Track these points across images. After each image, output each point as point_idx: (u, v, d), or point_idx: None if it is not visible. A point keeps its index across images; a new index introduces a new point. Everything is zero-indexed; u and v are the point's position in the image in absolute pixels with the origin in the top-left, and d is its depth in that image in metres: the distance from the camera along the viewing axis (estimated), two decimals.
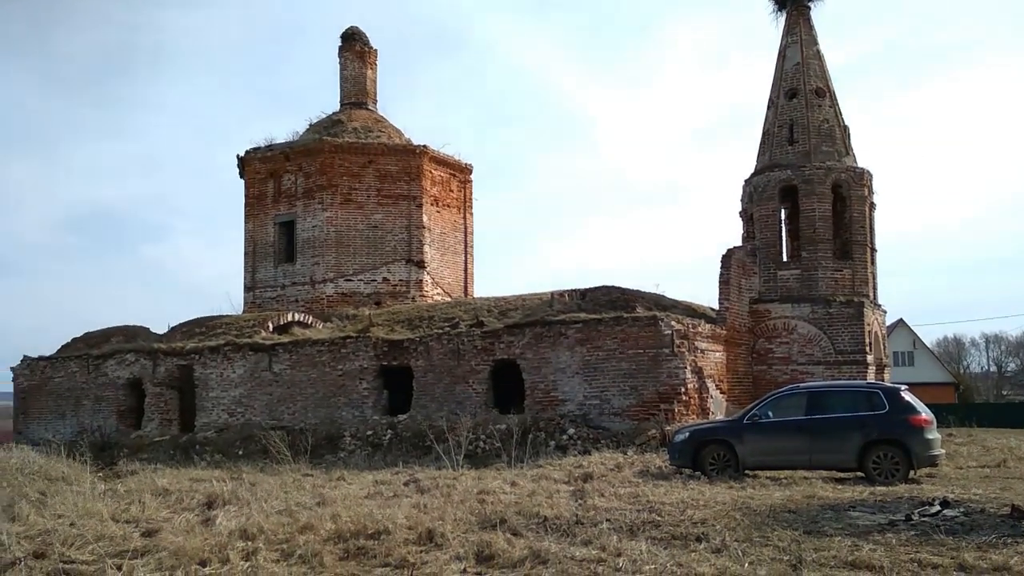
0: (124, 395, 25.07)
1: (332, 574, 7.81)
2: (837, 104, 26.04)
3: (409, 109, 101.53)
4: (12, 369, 27.32)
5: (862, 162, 25.81)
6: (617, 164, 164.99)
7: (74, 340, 28.53)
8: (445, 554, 8.36)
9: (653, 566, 7.66)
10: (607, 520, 9.84)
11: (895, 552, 8.07)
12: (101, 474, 17.58)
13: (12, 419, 27.99)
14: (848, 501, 11.20)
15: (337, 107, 32.68)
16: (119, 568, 7.82)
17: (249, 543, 8.98)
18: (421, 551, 8.57)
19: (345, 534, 9.28)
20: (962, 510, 10.19)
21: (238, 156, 30.98)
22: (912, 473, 13.89)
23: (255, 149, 30.43)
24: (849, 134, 25.98)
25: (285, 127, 67.44)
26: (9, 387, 27.99)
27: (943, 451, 14.96)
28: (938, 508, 10.24)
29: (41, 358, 27.06)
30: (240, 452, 20.58)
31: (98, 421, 24.97)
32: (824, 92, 25.86)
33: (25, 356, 27.25)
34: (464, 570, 7.77)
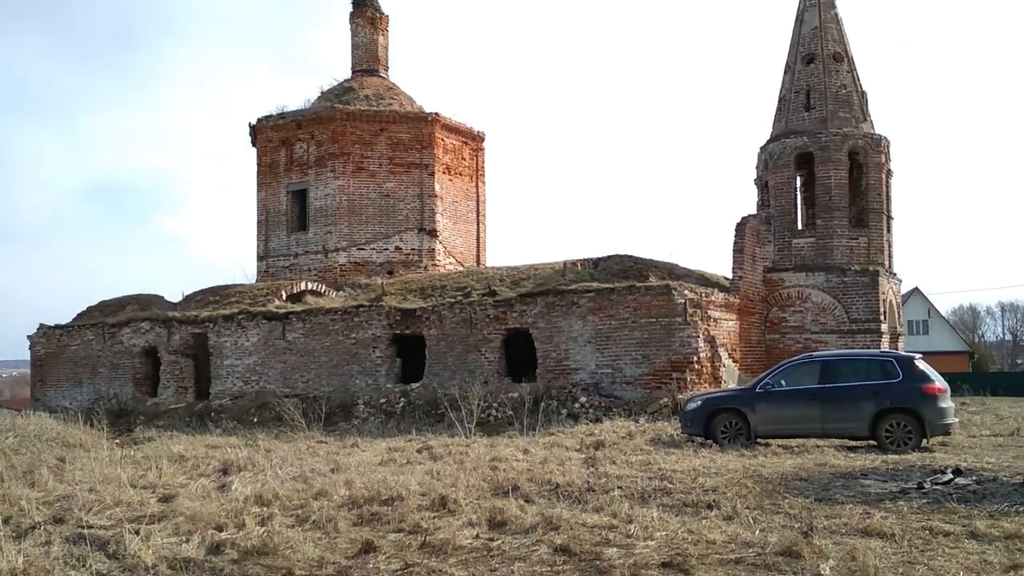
0: (140, 363, 25.31)
1: (346, 539, 7.90)
2: (855, 69, 25.63)
3: (423, 77, 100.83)
4: (29, 337, 27.60)
5: (880, 128, 25.48)
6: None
7: (89, 309, 28.77)
8: (458, 520, 8.43)
9: (664, 533, 7.70)
10: (618, 487, 9.88)
11: (906, 520, 8.07)
12: (118, 441, 17.79)
13: (29, 387, 28.33)
14: (860, 469, 11.20)
15: (349, 75, 32.48)
16: (137, 533, 7.93)
17: (264, 508, 9.08)
18: (434, 517, 8.65)
19: (359, 500, 9.37)
20: (974, 478, 10.18)
21: (250, 124, 30.89)
22: (925, 442, 13.86)
23: (267, 117, 30.32)
24: (867, 100, 25.60)
25: (298, 95, 67.14)
26: (26, 355, 28.30)
27: (956, 420, 14.90)
28: (950, 476, 10.23)
29: (57, 326, 27.30)
30: (255, 419, 20.79)
31: (114, 389, 25.25)
32: (842, 57, 25.44)
33: (41, 324, 27.50)
34: (476, 536, 7.84)
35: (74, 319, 28.17)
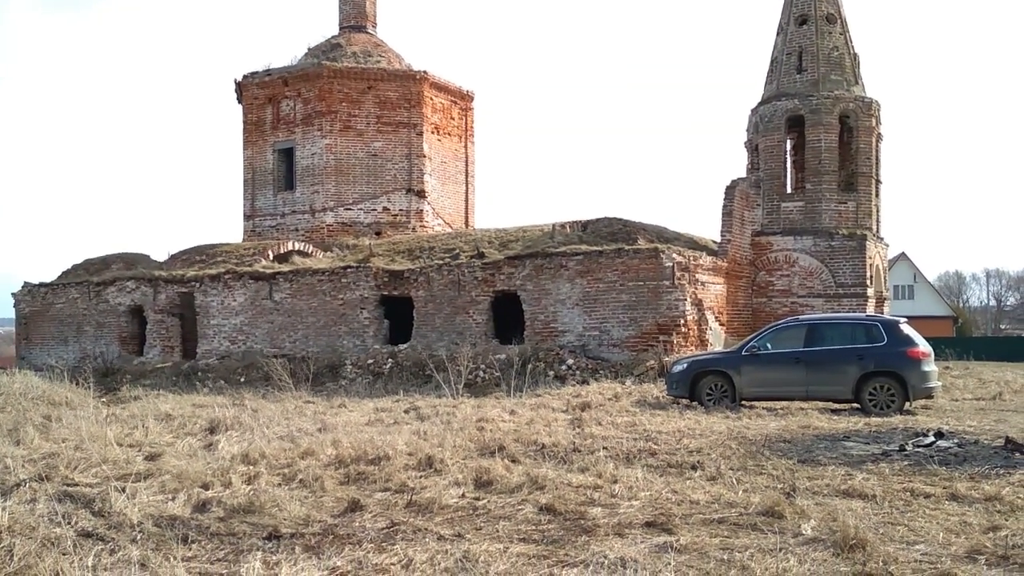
0: (126, 322, 25.20)
1: (332, 498, 7.92)
2: (848, 31, 25.40)
3: (412, 34, 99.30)
4: (13, 295, 27.41)
5: (871, 91, 25.34)
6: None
7: (74, 267, 28.55)
8: (444, 479, 8.47)
9: (648, 493, 7.77)
10: (604, 448, 9.95)
11: (888, 481, 8.17)
12: (104, 399, 17.76)
13: (14, 344, 28.18)
14: (843, 432, 11.31)
15: (336, 31, 31.96)
16: (123, 491, 7.92)
17: (251, 467, 9.09)
18: (420, 476, 8.69)
19: (346, 460, 9.40)
20: (956, 441, 10.30)
21: (236, 81, 30.43)
22: (908, 405, 14.00)
23: (253, 74, 29.87)
24: (859, 62, 25.42)
25: (285, 52, 66.11)
26: (11, 313, 28.12)
27: (939, 383, 15.05)
28: (932, 439, 10.34)
29: (42, 284, 27.09)
30: (242, 379, 20.78)
31: (100, 347, 25.16)
32: (835, 18, 25.19)
33: (26, 282, 27.29)
34: (462, 495, 7.88)
35: (58, 277, 27.95)
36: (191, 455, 10.01)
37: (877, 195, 25.20)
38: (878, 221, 25.34)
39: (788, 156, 25.71)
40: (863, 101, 24.64)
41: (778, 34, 25.79)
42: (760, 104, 25.54)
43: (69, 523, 6.96)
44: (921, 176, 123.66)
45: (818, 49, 24.84)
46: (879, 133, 25.21)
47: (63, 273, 28.33)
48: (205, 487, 8.28)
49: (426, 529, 6.76)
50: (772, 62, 25.86)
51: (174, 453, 10.12)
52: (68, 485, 8.41)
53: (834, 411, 13.82)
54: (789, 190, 25.24)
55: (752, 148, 25.66)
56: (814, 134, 24.20)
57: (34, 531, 6.56)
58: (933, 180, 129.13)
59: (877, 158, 25.19)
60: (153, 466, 9.30)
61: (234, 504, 7.59)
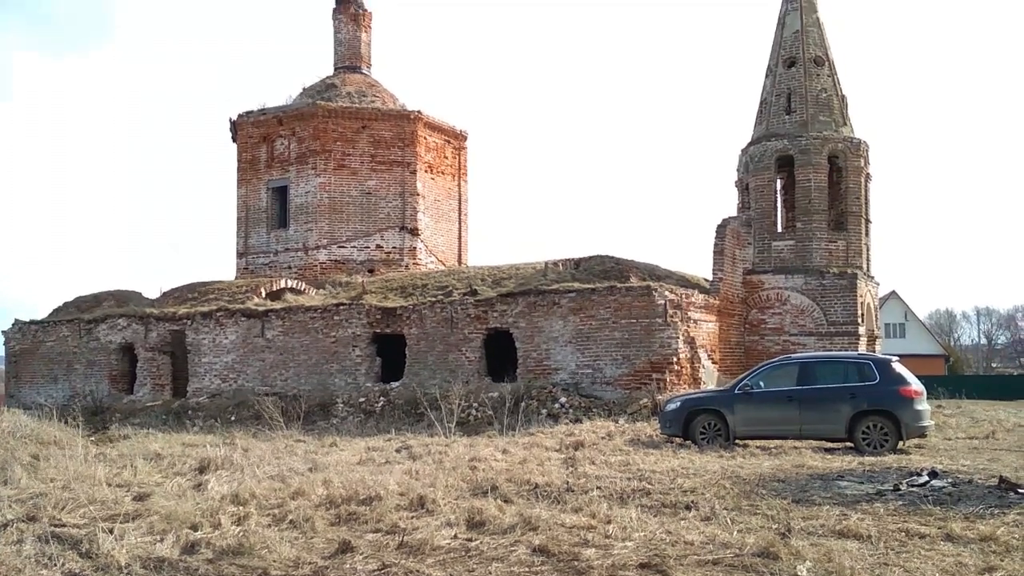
0: (116, 360, 25.05)
1: (323, 539, 7.84)
2: (836, 73, 25.81)
3: (406, 74, 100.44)
4: (3, 332, 27.25)
5: (859, 132, 25.69)
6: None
7: (65, 304, 28.44)
8: (436, 520, 8.39)
9: (642, 534, 7.71)
10: (597, 488, 9.89)
11: (883, 521, 8.13)
12: (93, 438, 17.57)
13: (4, 382, 27.97)
14: (837, 471, 11.27)
15: (331, 71, 32.32)
16: (111, 532, 7.82)
17: (241, 508, 8.99)
18: (412, 517, 8.61)
19: (337, 500, 9.31)
20: (950, 481, 10.27)
21: (231, 120, 30.68)
22: (901, 444, 13.99)
23: (248, 113, 30.12)
24: (847, 104, 25.80)
25: (280, 92, 66.78)
26: (0, 351, 27.93)
27: (932, 422, 15.05)
28: (926, 478, 10.31)
29: (32, 322, 26.97)
30: (233, 418, 20.62)
31: (90, 386, 24.96)
32: (823, 61, 25.61)
33: (16, 320, 27.17)
34: (455, 536, 7.81)
35: (50, 315, 27.83)
36: (180, 495, 9.91)
37: (867, 234, 25.40)
38: (868, 260, 25.52)
39: (778, 195, 25.93)
40: (852, 142, 24.96)
41: (767, 76, 26.19)
42: (750, 144, 25.83)
43: (56, 565, 6.87)
44: (911, 215, 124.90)
45: (806, 91, 25.21)
46: (868, 173, 25.49)
47: (55, 310, 28.22)
48: (194, 528, 8.18)
49: (418, 571, 6.68)
50: (761, 103, 26.22)
51: (163, 493, 10.02)
52: (56, 526, 8.30)
53: (828, 450, 13.78)
54: (780, 229, 25.42)
55: (743, 187, 25.89)
56: (804, 174, 24.46)
57: (21, 573, 6.47)
58: (923, 219, 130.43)
59: (866, 198, 25.45)
60: (142, 506, 9.20)
61: (223, 546, 7.49)
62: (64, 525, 8.36)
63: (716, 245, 23.34)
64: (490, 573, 6.62)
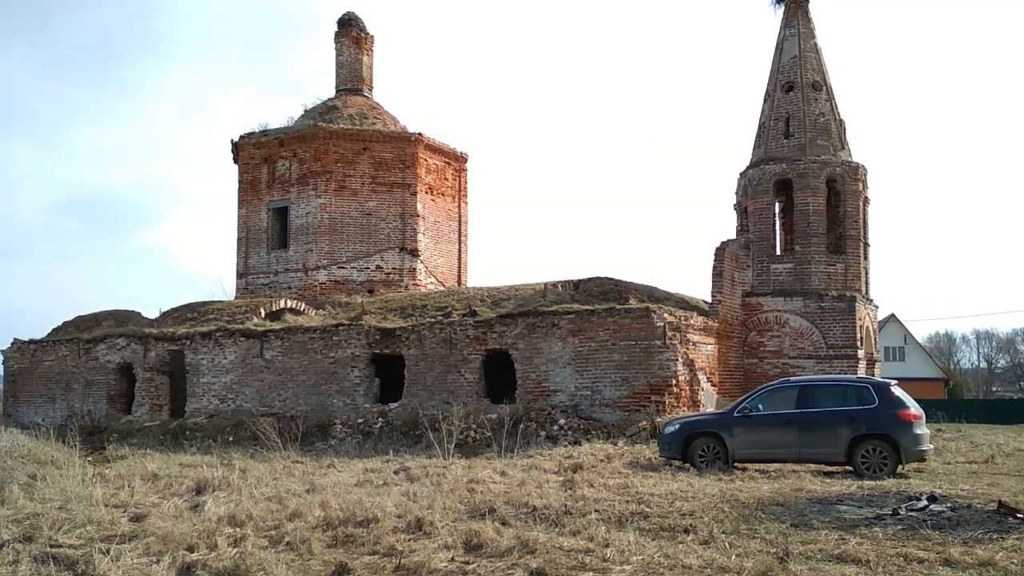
0: (115, 379, 25.01)
1: (320, 561, 7.81)
2: (834, 98, 26.03)
3: (407, 97, 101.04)
4: (2, 352, 27.22)
5: (857, 156, 25.86)
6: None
7: (65, 324, 28.45)
8: (433, 543, 8.37)
9: (641, 557, 7.69)
10: (596, 511, 9.86)
11: (881, 546, 8.11)
12: (91, 458, 17.54)
13: (2, 402, 27.92)
14: (836, 495, 11.24)
15: (333, 93, 32.56)
16: (107, 552, 7.80)
17: (238, 529, 8.97)
18: (409, 539, 8.58)
19: (334, 521, 9.29)
20: (949, 505, 10.24)
21: (232, 141, 30.85)
22: (900, 468, 13.95)
23: (249, 134, 30.30)
24: (845, 128, 25.99)
25: (281, 113, 67.19)
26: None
27: (932, 446, 15.02)
28: (925, 503, 10.29)
29: (31, 341, 26.96)
30: (230, 438, 20.57)
31: (88, 405, 24.91)
32: (821, 86, 25.84)
33: (15, 339, 27.14)
34: (452, 559, 7.78)
35: (49, 334, 27.82)
36: (177, 516, 9.88)
37: (866, 257, 25.49)
38: (867, 283, 25.59)
39: (777, 219, 26.06)
40: (850, 166, 25.11)
41: (765, 100, 26.40)
42: (748, 168, 25.99)
43: None
44: (910, 238, 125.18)
45: (804, 115, 25.41)
46: (866, 197, 25.63)
47: (54, 330, 28.21)
48: (190, 549, 8.16)
49: None
50: (760, 127, 26.41)
51: (160, 514, 9.99)
52: (52, 546, 8.28)
53: (827, 473, 13.75)
54: (778, 252, 25.51)
55: (741, 210, 26.01)
56: (802, 198, 24.59)
57: None
58: (922, 242, 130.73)
59: (865, 221, 25.56)
60: (138, 527, 9.18)
61: (219, 567, 7.47)
62: (60, 546, 8.34)
63: (715, 267, 23.41)
64: None
